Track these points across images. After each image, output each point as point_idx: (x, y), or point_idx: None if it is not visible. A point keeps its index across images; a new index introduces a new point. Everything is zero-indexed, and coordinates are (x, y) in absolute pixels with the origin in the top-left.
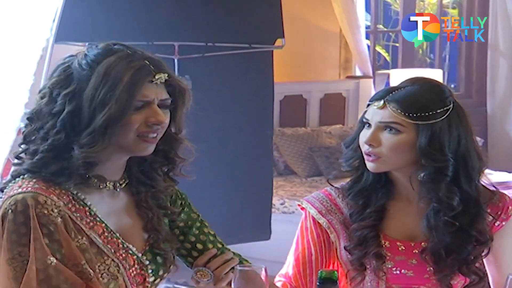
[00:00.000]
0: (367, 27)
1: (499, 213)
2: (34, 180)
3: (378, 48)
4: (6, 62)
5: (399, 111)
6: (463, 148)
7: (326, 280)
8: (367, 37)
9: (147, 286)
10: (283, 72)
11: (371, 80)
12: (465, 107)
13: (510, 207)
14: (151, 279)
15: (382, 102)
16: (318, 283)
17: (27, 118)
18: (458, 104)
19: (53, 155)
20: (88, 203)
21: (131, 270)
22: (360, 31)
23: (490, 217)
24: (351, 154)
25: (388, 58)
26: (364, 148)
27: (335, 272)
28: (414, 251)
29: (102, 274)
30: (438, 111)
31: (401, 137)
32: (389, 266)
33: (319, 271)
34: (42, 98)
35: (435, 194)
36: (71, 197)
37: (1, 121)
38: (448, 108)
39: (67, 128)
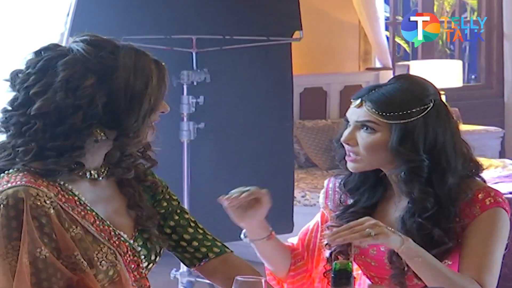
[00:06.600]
0: (386, 18)
1: (466, 212)
2: (21, 174)
3: (398, 40)
4: (20, 56)
5: (374, 110)
6: (439, 147)
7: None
8: (386, 29)
9: (141, 272)
10: (303, 64)
11: (391, 71)
12: (485, 98)
13: (478, 205)
14: (145, 264)
15: (359, 101)
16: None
17: (33, 116)
18: (441, 103)
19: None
20: (76, 193)
21: (125, 257)
22: (379, 23)
23: (459, 219)
24: (341, 151)
25: (408, 49)
26: (345, 147)
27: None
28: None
29: (101, 261)
30: (414, 110)
31: (376, 137)
32: (356, 252)
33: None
34: (43, 93)
35: (409, 194)
36: (59, 188)
37: None
38: (426, 107)
39: (101, 120)
